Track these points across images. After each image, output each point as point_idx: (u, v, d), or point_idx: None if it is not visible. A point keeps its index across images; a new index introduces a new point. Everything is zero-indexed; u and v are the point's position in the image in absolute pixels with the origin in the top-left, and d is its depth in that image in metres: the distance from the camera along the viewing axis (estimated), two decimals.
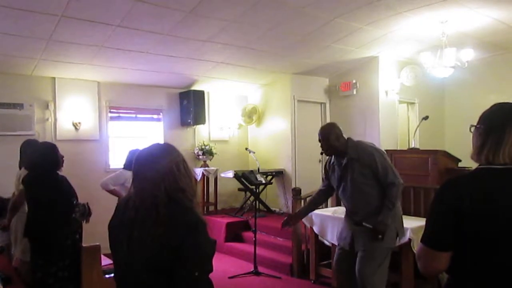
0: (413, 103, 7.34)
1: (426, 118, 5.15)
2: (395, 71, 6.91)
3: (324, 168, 3.46)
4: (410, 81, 6.82)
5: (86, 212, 3.27)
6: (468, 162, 1.54)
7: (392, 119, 6.93)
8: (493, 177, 1.41)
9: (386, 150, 6.02)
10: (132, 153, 4.61)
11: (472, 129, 1.52)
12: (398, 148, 6.65)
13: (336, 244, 4.38)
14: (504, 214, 1.35)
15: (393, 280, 4.09)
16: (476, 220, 1.36)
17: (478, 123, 1.51)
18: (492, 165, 1.43)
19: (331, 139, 3.12)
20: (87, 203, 3.33)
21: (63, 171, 3.37)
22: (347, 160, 3.11)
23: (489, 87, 6.88)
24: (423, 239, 1.47)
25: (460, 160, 5.00)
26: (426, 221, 1.50)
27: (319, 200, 3.59)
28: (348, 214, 3.30)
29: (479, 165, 1.47)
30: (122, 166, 4.73)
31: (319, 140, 3.20)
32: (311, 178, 7.27)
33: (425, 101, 7.38)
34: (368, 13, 4.87)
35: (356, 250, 3.18)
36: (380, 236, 3.00)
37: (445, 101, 7.79)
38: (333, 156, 3.26)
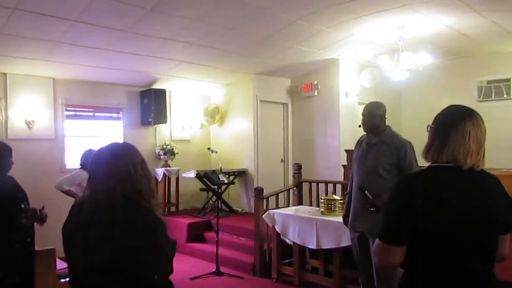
0: None
1: None
2: (355, 73, 7.09)
3: (354, 149, 3.53)
4: (369, 83, 7.03)
5: (37, 217, 3.08)
6: (424, 161, 1.62)
7: (352, 119, 7.09)
8: (443, 175, 1.49)
9: (346, 150, 6.23)
10: (87, 153, 4.48)
11: (428, 128, 1.60)
12: None
13: (299, 242, 4.46)
14: (453, 208, 1.42)
15: (352, 276, 4.21)
16: (428, 215, 1.42)
17: (432, 123, 1.59)
18: (438, 164, 1.51)
19: (376, 116, 3.31)
20: (42, 208, 3.14)
21: (13, 171, 3.19)
22: (378, 141, 3.28)
23: (442, 90, 7.22)
24: (379, 235, 1.52)
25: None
26: (383, 218, 1.54)
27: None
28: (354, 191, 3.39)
29: (431, 164, 1.54)
30: (79, 166, 4.58)
31: (363, 114, 3.37)
32: (273, 177, 7.33)
33: (383, 103, 7.60)
34: (329, 15, 4.97)
35: (358, 230, 3.31)
36: (372, 209, 3.12)
37: (401, 103, 8.08)
38: (367, 136, 3.40)
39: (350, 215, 3.43)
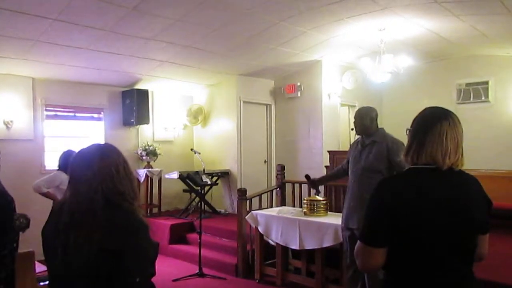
0: (353, 106, 7.63)
1: None
2: (337, 75, 7.16)
3: (350, 148, 3.78)
4: (351, 85, 7.11)
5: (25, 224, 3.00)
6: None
7: (334, 121, 7.17)
8: (422, 176, 1.51)
9: (329, 151, 6.27)
10: (66, 154, 4.41)
11: (407, 132, 1.62)
12: (340, 149, 6.90)
13: (282, 243, 4.48)
14: (433, 209, 1.44)
15: (334, 276, 4.24)
16: (408, 216, 1.44)
17: (411, 126, 1.61)
18: (417, 165, 1.53)
19: (365, 119, 3.49)
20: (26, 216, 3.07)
21: None
22: (371, 141, 3.45)
23: (422, 92, 7.36)
24: (360, 238, 1.53)
25: None
26: (364, 220, 1.56)
27: (338, 174, 3.88)
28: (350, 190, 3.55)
29: (410, 165, 1.57)
30: (57, 168, 4.51)
31: (354, 117, 3.58)
32: (256, 178, 7.35)
33: (365, 104, 7.67)
34: (312, 17, 5.01)
35: (351, 227, 3.39)
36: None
37: (382, 104, 8.19)
38: (361, 138, 3.57)
39: (344, 213, 3.54)
